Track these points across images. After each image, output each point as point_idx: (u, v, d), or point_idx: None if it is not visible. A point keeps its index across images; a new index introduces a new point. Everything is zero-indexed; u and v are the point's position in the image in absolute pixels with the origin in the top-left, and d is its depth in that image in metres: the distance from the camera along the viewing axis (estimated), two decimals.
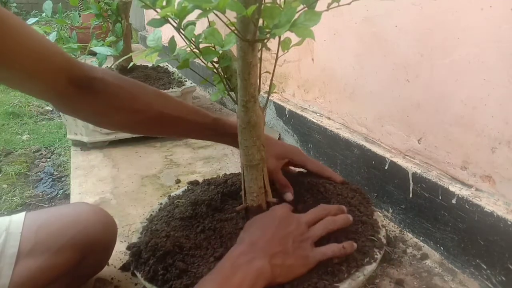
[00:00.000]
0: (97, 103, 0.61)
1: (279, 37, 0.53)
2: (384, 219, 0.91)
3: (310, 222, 0.57)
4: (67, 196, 1.34)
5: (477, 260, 0.71)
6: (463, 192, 0.73)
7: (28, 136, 1.91)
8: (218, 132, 0.72)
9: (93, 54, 1.44)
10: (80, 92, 0.59)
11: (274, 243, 0.52)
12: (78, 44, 1.41)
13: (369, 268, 0.56)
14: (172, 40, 0.59)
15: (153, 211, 0.75)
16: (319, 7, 0.45)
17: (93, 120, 0.68)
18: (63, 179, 1.51)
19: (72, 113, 0.66)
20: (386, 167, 0.89)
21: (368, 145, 0.95)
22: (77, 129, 1.36)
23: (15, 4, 5.42)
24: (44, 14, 1.39)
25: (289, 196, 0.70)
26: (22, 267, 0.58)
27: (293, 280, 0.52)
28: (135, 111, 0.64)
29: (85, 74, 0.59)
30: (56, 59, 0.55)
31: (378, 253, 0.59)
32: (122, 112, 0.64)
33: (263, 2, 0.43)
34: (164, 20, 0.51)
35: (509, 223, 0.64)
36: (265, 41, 0.50)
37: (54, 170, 1.58)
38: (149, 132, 0.79)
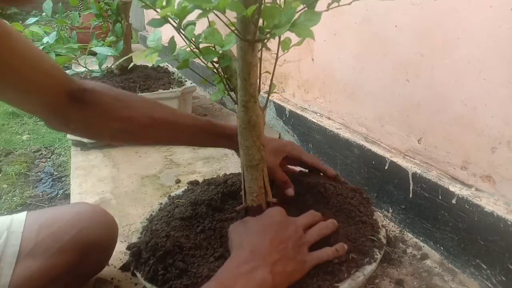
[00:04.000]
0: (90, 113, 0.63)
1: (279, 37, 0.53)
2: (384, 219, 0.91)
3: (305, 226, 0.57)
4: (67, 196, 1.34)
5: (477, 260, 0.71)
6: (463, 192, 0.73)
7: (28, 136, 1.91)
8: (212, 133, 0.72)
9: (93, 54, 1.44)
10: (74, 104, 0.61)
11: (274, 249, 0.52)
12: (78, 44, 1.41)
13: (369, 268, 0.56)
14: (172, 40, 0.59)
15: (153, 211, 0.75)
16: (319, 7, 0.45)
17: (86, 132, 0.69)
18: (63, 179, 1.51)
19: (65, 127, 0.66)
20: (386, 167, 0.89)
21: (368, 145, 0.95)
22: None
23: None
24: (44, 14, 1.39)
25: (291, 191, 0.70)
26: (22, 266, 0.58)
27: (290, 285, 0.52)
28: (127, 119, 0.65)
29: (78, 87, 0.61)
30: (56, 72, 0.58)
31: (378, 253, 0.59)
32: (113, 121, 0.65)
33: (263, 2, 0.43)
34: (164, 20, 0.51)
35: (509, 223, 0.64)
36: (265, 41, 0.50)
37: (54, 170, 1.58)
38: (143, 139, 0.75)
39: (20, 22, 2.79)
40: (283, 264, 0.51)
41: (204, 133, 0.72)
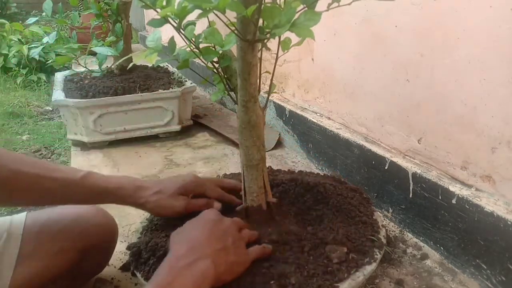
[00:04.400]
0: None
1: (279, 37, 0.53)
2: (384, 219, 0.91)
3: (239, 226, 0.58)
4: None
5: (477, 260, 0.71)
6: (463, 192, 0.73)
7: (28, 136, 1.91)
8: (93, 188, 0.61)
9: (93, 54, 1.44)
10: None
11: (214, 240, 0.52)
12: (78, 44, 1.41)
13: (369, 268, 0.56)
14: (172, 40, 0.59)
15: None
16: (319, 7, 0.45)
17: None
18: None
19: None
20: (386, 167, 0.89)
21: (368, 145, 0.95)
22: (77, 129, 1.36)
23: (14, 4, 5.41)
24: (44, 14, 1.39)
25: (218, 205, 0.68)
26: (22, 267, 0.58)
27: (235, 278, 0.52)
28: None
29: None
30: None
31: (378, 253, 0.59)
32: None
33: (263, 2, 0.43)
34: (164, 20, 0.51)
35: (509, 223, 0.64)
36: (265, 41, 0.50)
37: None
38: (5, 199, 0.58)
39: (20, 22, 2.79)
40: (225, 254, 0.51)
41: (83, 187, 0.60)
